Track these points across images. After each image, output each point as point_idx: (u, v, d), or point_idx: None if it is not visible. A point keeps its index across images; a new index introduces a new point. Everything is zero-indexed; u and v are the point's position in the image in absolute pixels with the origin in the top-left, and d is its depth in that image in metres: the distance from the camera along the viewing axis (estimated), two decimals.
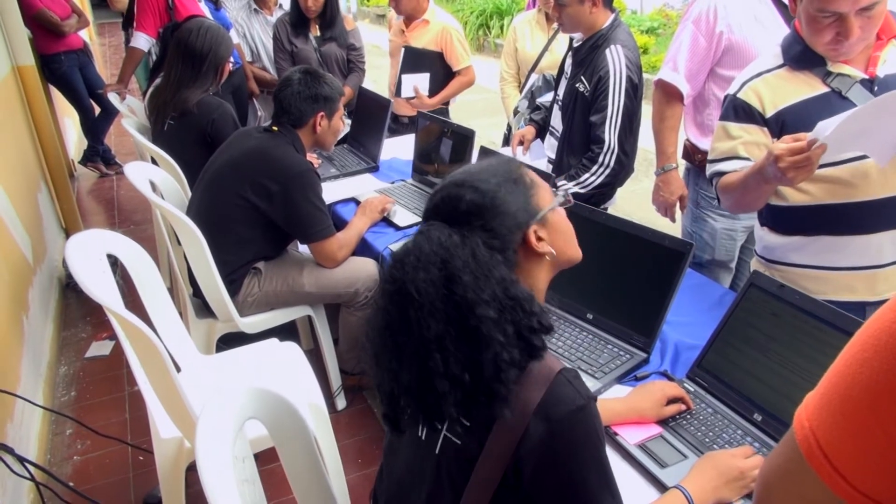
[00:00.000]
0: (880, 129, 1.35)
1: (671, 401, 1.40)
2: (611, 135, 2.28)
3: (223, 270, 2.21)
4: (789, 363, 1.36)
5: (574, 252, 1.17)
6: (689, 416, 1.41)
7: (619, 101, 2.25)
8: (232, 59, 2.95)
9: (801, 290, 1.38)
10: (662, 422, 1.39)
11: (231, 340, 2.31)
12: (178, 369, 1.98)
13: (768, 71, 1.61)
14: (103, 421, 2.58)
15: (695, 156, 2.35)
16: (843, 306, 1.32)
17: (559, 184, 2.38)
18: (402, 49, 3.44)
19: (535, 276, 1.10)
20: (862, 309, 1.65)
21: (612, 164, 2.31)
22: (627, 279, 1.70)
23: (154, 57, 3.76)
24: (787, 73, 1.59)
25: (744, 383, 1.43)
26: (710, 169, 1.70)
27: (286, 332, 2.44)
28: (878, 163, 1.46)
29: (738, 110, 1.62)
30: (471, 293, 0.94)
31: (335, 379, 2.56)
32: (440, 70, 3.52)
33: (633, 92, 2.28)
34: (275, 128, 2.33)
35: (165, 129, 2.82)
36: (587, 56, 2.36)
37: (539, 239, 1.08)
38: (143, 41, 3.83)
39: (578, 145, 2.46)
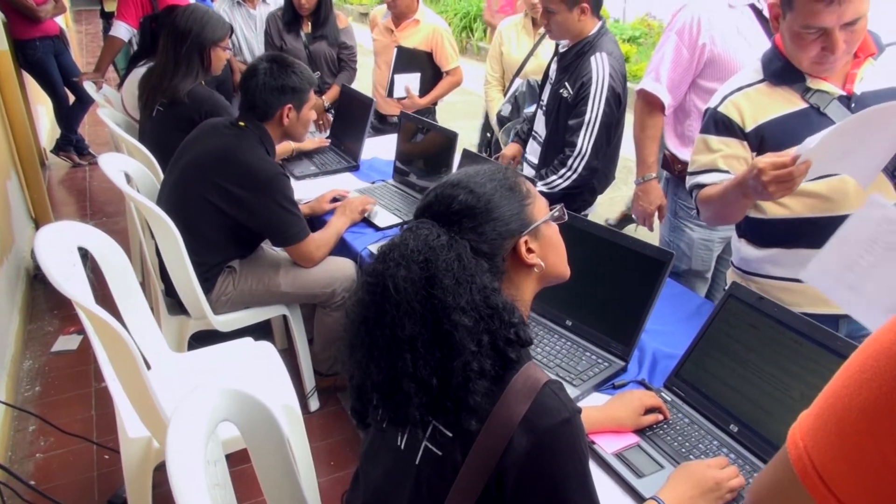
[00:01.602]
0: (863, 148, 1.36)
1: (649, 410, 1.40)
2: (584, 141, 2.29)
3: (196, 270, 2.16)
4: (766, 375, 1.36)
5: (563, 269, 1.15)
6: (665, 426, 1.41)
7: (598, 109, 2.26)
8: (229, 49, 2.89)
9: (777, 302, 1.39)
10: (640, 431, 1.39)
11: (204, 338, 2.27)
12: (149, 367, 1.94)
13: (749, 85, 1.63)
14: (68, 418, 2.52)
15: (674, 166, 2.36)
16: (817, 319, 1.34)
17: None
18: (395, 48, 3.43)
19: (521, 287, 1.08)
20: (835, 321, 1.67)
21: (580, 169, 2.32)
22: (607, 287, 1.70)
23: (136, 47, 3.69)
24: (767, 88, 1.60)
25: (720, 394, 1.43)
26: (690, 181, 1.71)
27: (260, 331, 2.41)
28: (861, 184, 1.47)
29: (719, 124, 1.63)
30: (449, 297, 0.93)
31: (309, 380, 2.53)
32: (429, 70, 3.54)
33: (615, 101, 2.29)
34: (241, 123, 2.24)
35: (154, 114, 2.76)
36: (572, 62, 2.37)
37: (529, 251, 1.06)
38: (124, 30, 3.75)
39: (560, 150, 2.46)
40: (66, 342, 3.02)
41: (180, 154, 2.29)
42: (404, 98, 3.49)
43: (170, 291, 2.27)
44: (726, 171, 1.61)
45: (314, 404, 2.54)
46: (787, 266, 1.68)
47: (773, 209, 1.63)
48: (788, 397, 1.32)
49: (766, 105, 1.59)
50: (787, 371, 1.34)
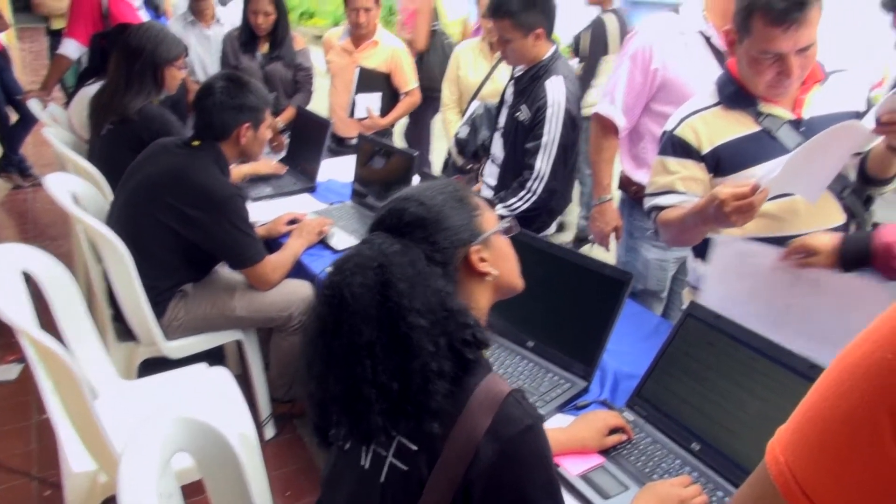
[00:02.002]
0: (813, 169, 1.41)
1: (613, 430, 1.40)
2: (542, 163, 2.31)
3: (147, 294, 2.09)
4: (725, 392, 1.38)
5: (516, 280, 1.18)
6: (629, 446, 1.41)
7: (555, 131, 2.29)
8: (184, 68, 2.83)
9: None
10: (604, 452, 1.39)
11: (154, 365, 2.18)
12: (96, 396, 1.85)
13: (704, 109, 1.67)
14: (6, 452, 2.39)
15: (630, 187, 2.40)
16: None
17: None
18: (357, 69, 3.44)
19: (475, 296, 1.10)
20: None
21: (539, 191, 2.34)
22: (568, 307, 1.71)
23: (84, 65, 3.59)
24: (721, 112, 1.65)
25: (682, 412, 1.44)
26: (649, 202, 1.74)
27: (212, 356, 2.33)
28: (809, 200, 1.53)
29: (676, 146, 1.67)
30: (405, 300, 0.94)
31: (264, 407, 2.46)
32: (387, 91, 3.56)
33: (570, 123, 2.32)
34: (195, 142, 2.19)
35: (104, 133, 2.67)
36: (528, 86, 2.40)
37: (482, 259, 1.09)
38: (73, 48, 3.65)
39: (517, 173, 2.48)
40: (5, 372, 2.87)
41: (131, 174, 2.23)
42: (365, 118, 3.49)
43: (118, 316, 2.19)
44: (684, 193, 1.65)
45: (270, 432, 2.47)
46: None
47: (727, 229, 1.67)
48: (746, 414, 1.34)
49: (721, 128, 1.63)
50: (745, 388, 1.35)
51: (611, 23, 4.10)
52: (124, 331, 2.20)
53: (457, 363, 0.97)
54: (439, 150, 3.93)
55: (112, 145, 2.64)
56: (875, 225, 2.03)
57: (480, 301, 1.11)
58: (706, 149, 1.64)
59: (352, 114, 3.49)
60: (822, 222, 1.65)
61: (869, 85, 1.76)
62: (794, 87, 1.58)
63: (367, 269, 0.97)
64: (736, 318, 1.42)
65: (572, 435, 1.39)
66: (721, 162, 1.63)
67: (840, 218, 1.69)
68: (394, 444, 0.99)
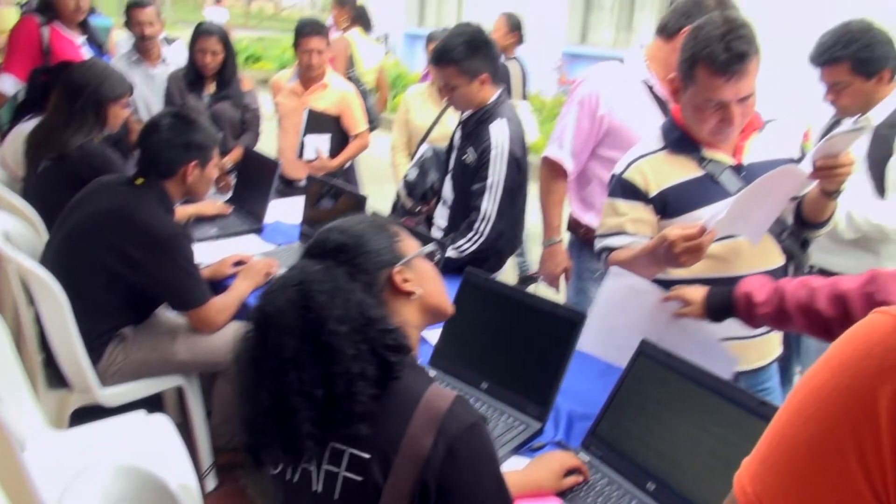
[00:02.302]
0: (755, 211, 1.47)
1: (569, 472, 1.39)
2: (488, 205, 2.34)
3: (83, 338, 1.99)
4: (678, 431, 1.39)
5: (442, 301, 1.26)
6: (586, 487, 1.40)
7: (499, 173, 2.32)
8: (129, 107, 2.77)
9: None
10: (560, 493, 1.37)
11: (88, 414, 2.07)
12: (24, 447, 1.73)
13: (651, 153, 1.73)
14: None
15: (578, 229, 2.45)
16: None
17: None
18: (306, 111, 3.44)
19: (404, 314, 1.18)
20: (735, 378, 1.75)
21: (486, 232, 2.36)
22: (521, 348, 1.71)
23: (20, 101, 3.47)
24: (667, 156, 1.71)
25: (636, 452, 1.44)
26: (599, 244, 1.77)
27: (150, 403, 2.23)
28: (752, 241, 1.59)
29: (625, 188, 1.72)
30: (325, 311, 1.01)
31: (206, 456, 2.35)
32: (337, 133, 3.57)
33: (515, 165, 2.36)
34: (139, 180, 2.13)
35: (41, 170, 2.57)
36: (474, 129, 2.44)
37: (405, 280, 1.18)
38: (10, 84, 3.53)
39: (467, 215, 2.51)
40: None
41: (69, 212, 2.14)
42: (314, 160, 3.48)
43: (50, 362, 2.07)
44: (633, 234, 1.69)
45: (211, 483, 2.35)
46: None
47: (674, 270, 1.71)
48: (700, 452, 1.35)
49: (667, 171, 1.69)
50: (698, 426, 1.37)
51: (514, 69, 4.43)
52: (56, 377, 2.09)
53: (380, 367, 1.03)
54: (388, 192, 3.94)
55: (49, 183, 2.55)
56: (812, 267, 2.13)
57: (409, 319, 1.19)
58: (654, 191, 1.69)
59: (301, 155, 3.47)
60: (763, 264, 1.72)
61: (801, 134, 1.86)
62: (734, 134, 1.66)
63: (288, 288, 1.04)
64: (609, 342, 1.64)
65: (528, 477, 1.37)
66: (668, 204, 1.68)
67: (780, 260, 1.76)
68: (345, 459, 1.03)
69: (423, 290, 1.20)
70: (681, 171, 1.69)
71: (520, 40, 4.61)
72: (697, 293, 1.60)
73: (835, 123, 2.40)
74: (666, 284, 1.72)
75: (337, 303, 1.03)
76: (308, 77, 3.54)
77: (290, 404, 0.99)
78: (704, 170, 1.68)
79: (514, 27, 4.59)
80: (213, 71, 3.47)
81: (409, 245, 1.23)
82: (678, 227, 1.47)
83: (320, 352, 1.00)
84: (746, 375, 1.79)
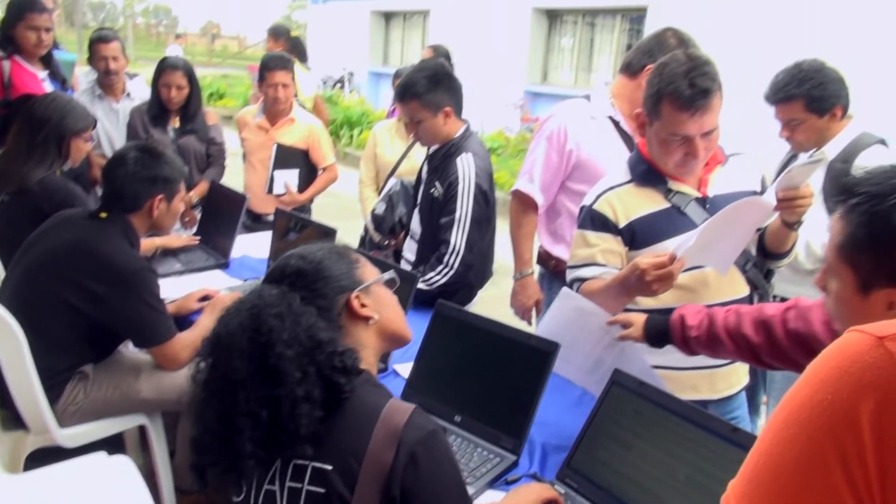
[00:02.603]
0: (722, 241, 1.51)
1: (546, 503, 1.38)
2: (457, 237, 2.35)
3: (41, 377, 1.92)
4: (653, 459, 1.40)
5: (401, 327, 1.30)
6: None
7: (467, 206, 2.34)
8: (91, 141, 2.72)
9: None
10: None
11: (46, 456, 1.98)
12: None
13: (618, 185, 1.77)
14: None
15: (549, 262, 2.48)
16: None
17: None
18: (274, 145, 3.43)
19: (362, 339, 1.21)
20: (704, 407, 1.77)
21: (456, 265, 2.37)
22: (494, 379, 1.70)
23: None
24: (634, 189, 1.75)
25: (611, 482, 1.44)
26: (571, 275, 1.79)
27: (110, 444, 2.14)
28: (720, 271, 1.63)
29: (595, 220, 1.75)
30: (274, 334, 1.04)
31: (169, 499, 2.26)
32: (304, 167, 3.57)
33: (483, 198, 2.39)
34: (103, 214, 2.09)
35: None
36: (441, 163, 2.46)
37: (362, 305, 1.21)
38: None
39: (435, 248, 2.51)
40: None
41: (28, 247, 2.08)
42: (283, 194, 3.47)
43: (4, 402, 1.99)
44: (604, 265, 1.72)
45: None
46: (657, 354, 1.78)
47: (643, 300, 1.74)
48: (675, 480, 1.35)
49: (634, 203, 1.73)
50: (672, 455, 1.38)
51: None
52: (11, 418, 2.00)
53: (327, 389, 1.06)
54: (356, 227, 3.94)
55: (8, 217, 2.48)
56: (775, 297, 2.18)
57: (367, 343, 1.22)
58: (622, 223, 1.73)
59: (270, 190, 3.46)
60: (729, 293, 1.76)
61: (761, 168, 1.93)
62: (699, 167, 1.71)
63: (242, 311, 1.08)
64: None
65: None
66: (636, 236, 1.72)
67: (744, 290, 1.80)
68: (307, 472, 1.06)
69: (381, 315, 1.23)
70: (648, 202, 1.73)
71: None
72: (639, 318, 1.66)
73: (791, 158, 2.49)
74: (649, 313, 1.74)
75: (286, 326, 1.06)
76: (275, 111, 3.54)
77: (235, 424, 1.02)
78: (671, 202, 1.72)
79: (442, 57, 4.72)
80: (178, 105, 3.44)
81: (369, 272, 1.26)
82: (649, 256, 1.51)
83: (267, 374, 1.03)
84: (715, 404, 1.82)
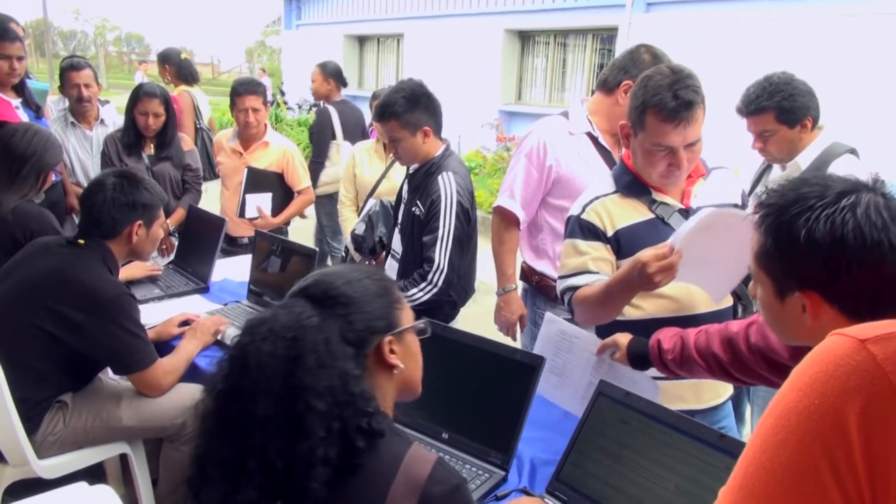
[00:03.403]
0: (714, 256, 1.54)
1: None
2: (440, 255, 2.35)
3: (18, 408, 1.87)
4: (641, 469, 1.40)
5: (417, 382, 1.22)
6: None
7: (449, 224, 2.35)
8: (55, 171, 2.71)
9: None
10: None
11: (24, 488, 1.92)
12: None
13: (604, 195, 1.80)
14: None
15: (531, 277, 2.49)
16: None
17: None
18: (245, 169, 3.43)
19: (380, 385, 1.12)
20: (691, 416, 1.78)
21: (439, 283, 2.37)
22: (481, 395, 1.70)
23: None
24: (619, 199, 1.78)
25: (601, 493, 1.44)
26: (563, 284, 1.80)
27: (91, 474, 2.09)
28: (714, 298, 1.69)
29: (584, 229, 1.77)
30: (309, 378, 0.96)
31: None
32: (279, 191, 3.56)
33: (464, 216, 2.40)
34: (81, 240, 2.06)
35: None
36: (422, 182, 2.47)
37: (392, 351, 1.12)
38: None
39: (418, 266, 2.51)
40: None
41: (4, 276, 2.05)
42: (256, 218, 3.45)
43: None
44: (596, 273, 1.73)
45: None
46: None
47: (629, 311, 1.76)
48: (664, 489, 1.36)
49: (620, 213, 1.76)
50: (660, 463, 1.38)
51: (333, 113, 4.58)
52: None
53: (344, 450, 0.98)
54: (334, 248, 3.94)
55: None
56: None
57: (385, 391, 1.13)
58: (610, 231, 1.75)
59: (242, 213, 3.43)
60: (713, 304, 1.78)
61: (739, 182, 1.96)
62: (682, 179, 1.74)
63: (278, 339, 0.98)
64: (546, 382, 1.82)
65: None
66: (621, 244, 1.74)
67: (729, 300, 1.83)
68: None
69: (406, 366, 1.14)
70: (632, 213, 1.76)
71: (339, 86, 4.78)
72: (624, 339, 1.72)
73: (766, 169, 2.54)
74: (624, 325, 1.76)
75: (324, 373, 0.97)
76: (248, 135, 3.54)
77: (246, 466, 0.95)
78: (654, 212, 1.75)
79: (330, 75, 4.78)
80: (154, 132, 3.42)
81: (406, 316, 1.17)
82: (649, 249, 1.53)
83: (290, 422, 0.95)
84: (703, 414, 1.83)
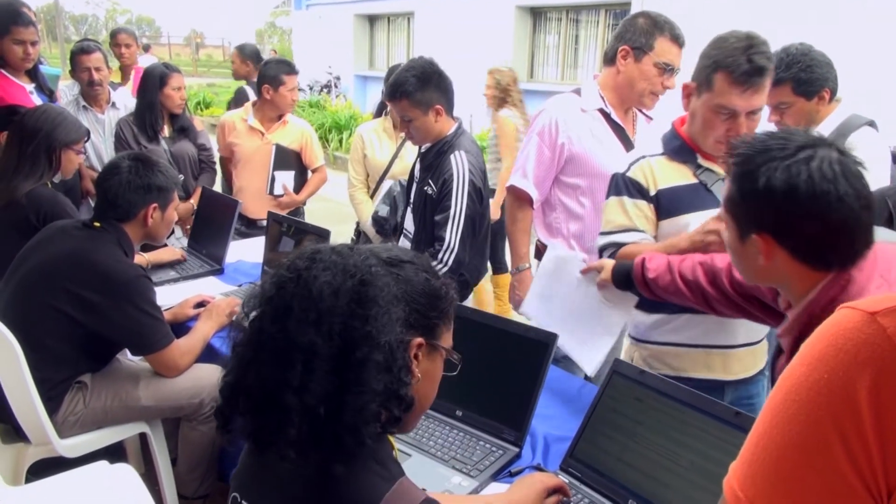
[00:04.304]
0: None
1: (551, 492, 1.38)
2: (452, 235, 2.35)
3: (39, 389, 1.91)
4: (656, 446, 1.40)
5: (426, 408, 1.08)
6: None
7: (461, 203, 2.34)
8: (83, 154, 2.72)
9: (666, 367, 1.48)
10: None
11: (47, 467, 1.97)
12: None
13: (651, 155, 1.79)
14: None
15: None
16: (703, 384, 1.43)
17: None
18: (274, 146, 3.46)
19: None
20: (721, 388, 1.79)
21: (450, 262, 2.37)
22: (494, 373, 1.70)
23: None
24: (666, 161, 1.77)
25: (615, 470, 1.45)
26: (605, 240, 1.82)
27: (111, 453, 2.14)
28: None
29: (630, 187, 1.77)
30: (374, 326, 0.85)
31: None
32: (297, 168, 3.61)
33: (477, 195, 2.38)
34: (97, 223, 2.08)
35: None
36: (434, 161, 2.46)
37: (416, 357, 0.97)
38: None
39: (429, 246, 2.51)
40: None
41: (21, 260, 2.07)
42: (282, 196, 3.47)
43: (4, 415, 1.98)
44: (643, 231, 1.74)
45: None
46: (673, 331, 1.81)
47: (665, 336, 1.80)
48: (679, 466, 1.36)
49: (664, 174, 1.75)
50: (675, 440, 1.38)
51: (250, 92, 4.54)
52: (11, 430, 1.99)
53: (385, 413, 0.89)
54: (347, 231, 3.93)
55: None
56: None
57: None
58: (653, 190, 1.75)
59: (271, 191, 3.47)
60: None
61: None
62: None
63: (347, 275, 0.87)
64: (545, 310, 1.91)
65: (511, 500, 1.35)
66: (661, 205, 1.74)
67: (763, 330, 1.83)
68: None
69: (422, 382, 0.98)
70: (677, 175, 1.75)
71: (257, 67, 4.69)
72: (609, 262, 1.76)
73: None
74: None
75: (386, 329, 0.86)
76: (271, 115, 3.54)
77: (281, 400, 0.83)
78: (699, 178, 1.74)
79: (248, 57, 4.83)
80: (180, 109, 3.48)
81: (447, 335, 1.06)
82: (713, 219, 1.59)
83: (343, 366, 0.84)
84: (734, 386, 1.82)
